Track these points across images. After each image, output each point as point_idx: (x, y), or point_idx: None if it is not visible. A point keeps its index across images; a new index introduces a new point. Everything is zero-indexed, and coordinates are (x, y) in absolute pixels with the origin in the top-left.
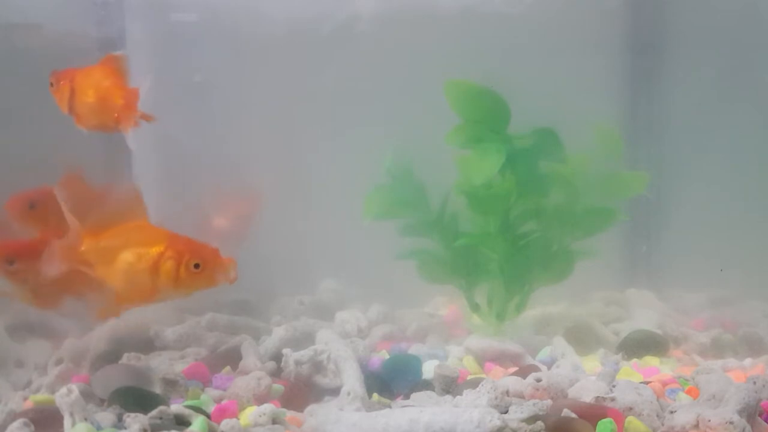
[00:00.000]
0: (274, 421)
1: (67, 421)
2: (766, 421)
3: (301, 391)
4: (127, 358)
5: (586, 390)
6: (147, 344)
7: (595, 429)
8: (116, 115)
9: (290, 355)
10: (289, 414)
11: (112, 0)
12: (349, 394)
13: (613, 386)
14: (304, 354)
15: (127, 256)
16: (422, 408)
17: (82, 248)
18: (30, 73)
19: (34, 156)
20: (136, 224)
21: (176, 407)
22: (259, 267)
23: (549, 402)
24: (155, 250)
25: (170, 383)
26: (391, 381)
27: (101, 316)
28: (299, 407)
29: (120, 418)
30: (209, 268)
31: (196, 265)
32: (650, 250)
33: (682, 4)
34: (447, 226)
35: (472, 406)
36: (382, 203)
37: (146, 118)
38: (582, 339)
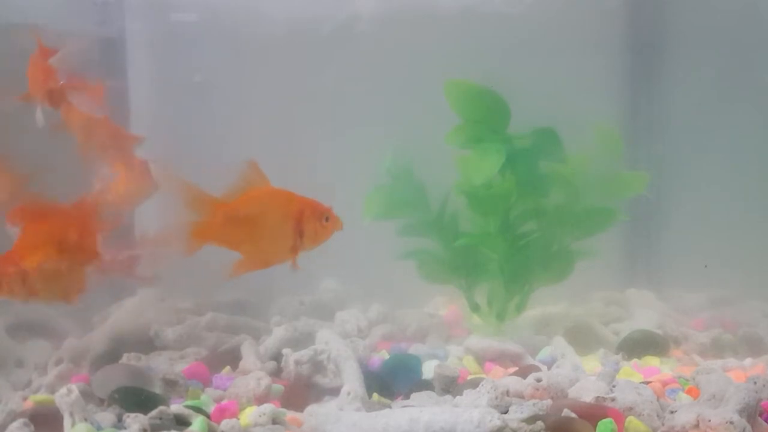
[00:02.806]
0: (274, 421)
1: (67, 421)
2: (766, 421)
3: (301, 391)
4: (127, 358)
5: (586, 390)
6: (147, 344)
7: (595, 429)
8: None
9: (290, 355)
10: (289, 414)
11: (112, 0)
12: (349, 394)
13: (614, 386)
14: (304, 354)
15: (269, 221)
16: (422, 408)
17: (220, 222)
18: None
19: (34, 155)
20: (263, 190)
21: (176, 407)
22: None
23: (549, 402)
24: (295, 210)
25: (170, 383)
26: (391, 381)
27: (235, 274)
28: (299, 407)
29: (120, 418)
30: (333, 221)
31: (327, 219)
32: (650, 250)
33: (682, 4)
34: (447, 226)
35: (472, 406)
36: (382, 203)
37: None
38: (582, 339)
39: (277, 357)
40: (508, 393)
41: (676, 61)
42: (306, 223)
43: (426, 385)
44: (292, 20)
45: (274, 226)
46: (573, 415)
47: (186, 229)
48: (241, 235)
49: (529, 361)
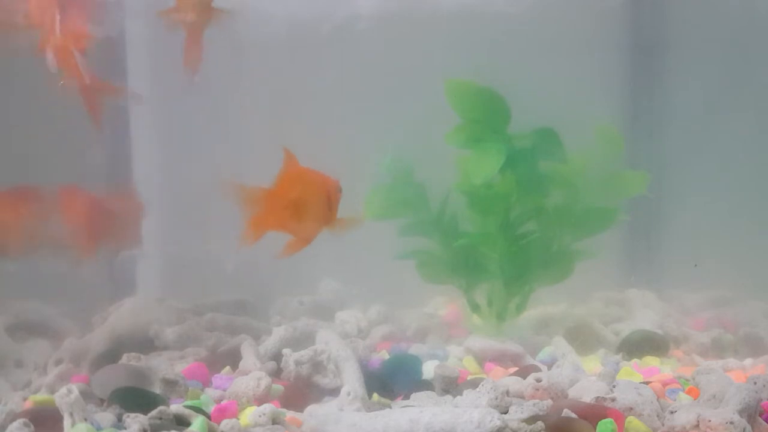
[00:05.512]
0: (274, 421)
1: (66, 421)
2: (766, 421)
3: (301, 391)
4: (127, 358)
5: (587, 390)
6: (147, 344)
7: (595, 429)
8: None
9: (290, 355)
10: (289, 414)
11: (112, 0)
12: (349, 394)
13: (614, 386)
14: (304, 354)
15: (312, 199)
16: (422, 408)
17: (276, 209)
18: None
19: (37, 154)
20: (297, 171)
21: (176, 407)
22: (260, 267)
23: (549, 402)
24: (326, 185)
25: (170, 383)
26: (391, 381)
27: (288, 254)
28: (299, 407)
29: (120, 418)
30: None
31: (340, 190)
32: (650, 250)
33: (683, 3)
34: (447, 226)
35: (473, 407)
36: (382, 203)
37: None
38: (582, 339)
39: (277, 357)
40: (508, 393)
41: (677, 61)
42: (332, 195)
43: (426, 386)
44: (292, 20)
45: (315, 203)
46: (573, 415)
47: (246, 223)
48: (293, 216)
49: (529, 361)
